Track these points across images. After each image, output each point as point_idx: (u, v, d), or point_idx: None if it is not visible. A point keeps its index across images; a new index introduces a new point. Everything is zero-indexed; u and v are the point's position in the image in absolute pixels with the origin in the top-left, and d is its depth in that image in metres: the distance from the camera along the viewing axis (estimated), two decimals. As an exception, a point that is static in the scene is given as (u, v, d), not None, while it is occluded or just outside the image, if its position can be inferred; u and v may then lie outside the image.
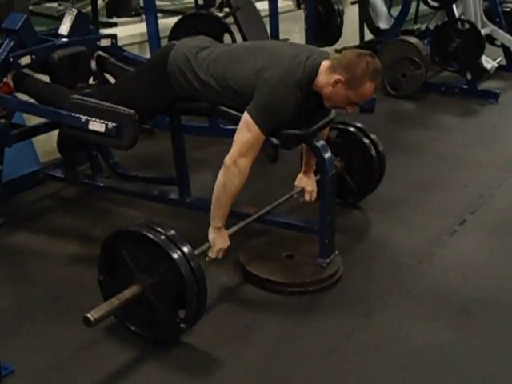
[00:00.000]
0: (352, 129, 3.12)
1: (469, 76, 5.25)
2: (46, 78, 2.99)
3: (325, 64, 2.37)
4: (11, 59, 2.75)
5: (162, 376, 2.06)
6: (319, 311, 2.40)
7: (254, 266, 2.59)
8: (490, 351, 2.18)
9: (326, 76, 2.35)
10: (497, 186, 3.54)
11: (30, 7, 4.30)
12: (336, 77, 2.32)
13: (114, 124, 2.46)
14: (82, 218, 3.15)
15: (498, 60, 5.80)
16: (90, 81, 3.14)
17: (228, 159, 2.30)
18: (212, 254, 2.38)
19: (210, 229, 2.40)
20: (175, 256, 2.04)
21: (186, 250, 2.07)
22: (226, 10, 4.28)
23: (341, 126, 3.11)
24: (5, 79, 2.82)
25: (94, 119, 2.50)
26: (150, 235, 2.07)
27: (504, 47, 5.77)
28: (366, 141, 3.10)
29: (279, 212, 2.85)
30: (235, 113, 2.43)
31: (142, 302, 2.12)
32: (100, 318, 1.97)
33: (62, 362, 2.11)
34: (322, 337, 2.25)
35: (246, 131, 2.29)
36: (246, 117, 2.30)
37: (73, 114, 2.55)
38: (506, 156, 3.99)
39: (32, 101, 2.89)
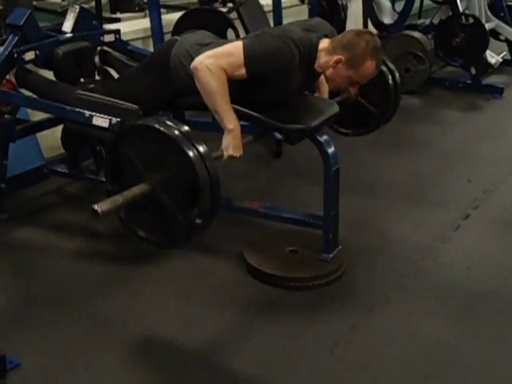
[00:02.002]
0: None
1: (473, 71, 5.23)
2: (49, 74, 2.99)
3: (324, 43, 2.37)
4: (15, 55, 2.76)
5: (165, 368, 2.06)
6: (323, 306, 2.40)
7: (258, 260, 2.59)
8: (494, 346, 2.18)
9: (326, 56, 2.35)
10: (501, 180, 3.54)
11: (34, 3, 4.30)
12: (336, 57, 2.32)
13: (117, 119, 2.46)
14: (86, 213, 3.11)
15: (503, 55, 5.77)
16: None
17: (194, 61, 2.24)
18: (223, 159, 2.30)
19: (225, 133, 2.31)
20: (186, 149, 1.95)
21: (188, 132, 2.00)
22: (230, 5, 4.28)
23: None
24: (7, 76, 2.83)
25: (97, 114, 2.50)
26: (160, 128, 2.00)
27: (508, 42, 5.74)
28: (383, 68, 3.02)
29: (282, 206, 2.85)
30: (238, 107, 2.42)
31: (152, 204, 2.05)
32: (107, 210, 1.91)
33: (67, 357, 2.12)
34: (326, 332, 2.25)
35: (231, 47, 2.28)
36: (238, 42, 2.29)
37: (77, 110, 2.56)
38: (510, 151, 3.98)
39: (36, 96, 2.90)
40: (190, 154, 1.95)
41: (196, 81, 2.25)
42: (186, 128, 2.02)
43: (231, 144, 2.29)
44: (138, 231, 2.15)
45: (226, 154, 2.29)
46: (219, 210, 2.04)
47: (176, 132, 1.99)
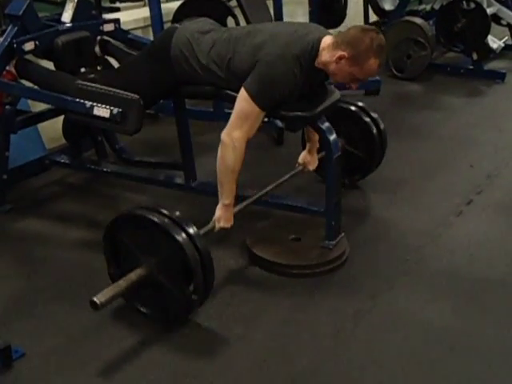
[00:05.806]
0: (353, 107, 3.10)
1: (475, 56, 5.21)
2: (49, 64, 2.99)
3: (327, 40, 2.35)
4: (15, 45, 2.75)
5: (169, 358, 2.07)
6: (326, 293, 2.41)
7: (261, 248, 2.59)
8: (498, 332, 2.18)
9: (328, 52, 2.32)
10: (503, 165, 3.53)
11: (33, -7, 4.29)
12: (340, 53, 2.29)
13: (118, 109, 2.46)
14: (88, 203, 3.17)
15: (505, 40, 5.75)
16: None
17: (223, 133, 2.33)
18: (214, 230, 2.41)
19: (219, 205, 2.41)
20: (175, 235, 2.05)
21: (177, 217, 2.11)
22: (229, -8, 4.25)
23: (341, 105, 3.07)
24: (8, 67, 2.82)
25: (98, 105, 2.50)
26: (151, 217, 2.09)
27: (510, 26, 5.72)
28: (367, 119, 3.07)
29: (285, 194, 2.85)
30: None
31: (150, 283, 2.13)
32: (106, 301, 1.99)
33: (72, 345, 2.14)
34: (329, 318, 2.26)
35: (241, 104, 2.30)
36: (242, 92, 2.30)
37: (77, 100, 2.55)
38: (512, 136, 3.97)
39: (37, 87, 2.90)
40: (179, 238, 2.05)
41: (219, 150, 2.33)
42: (177, 213, 2.13)
43: (223, 217, 2.39)
44: (140, 307, 2.24)
45: (217, 225, 2.39)
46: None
47: (165, 219, 2.08)
